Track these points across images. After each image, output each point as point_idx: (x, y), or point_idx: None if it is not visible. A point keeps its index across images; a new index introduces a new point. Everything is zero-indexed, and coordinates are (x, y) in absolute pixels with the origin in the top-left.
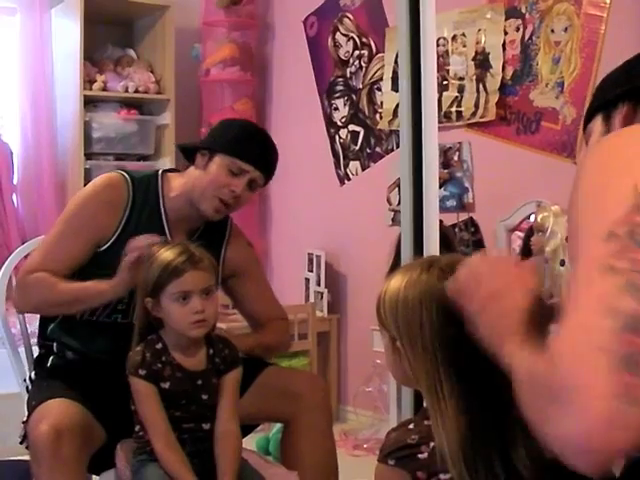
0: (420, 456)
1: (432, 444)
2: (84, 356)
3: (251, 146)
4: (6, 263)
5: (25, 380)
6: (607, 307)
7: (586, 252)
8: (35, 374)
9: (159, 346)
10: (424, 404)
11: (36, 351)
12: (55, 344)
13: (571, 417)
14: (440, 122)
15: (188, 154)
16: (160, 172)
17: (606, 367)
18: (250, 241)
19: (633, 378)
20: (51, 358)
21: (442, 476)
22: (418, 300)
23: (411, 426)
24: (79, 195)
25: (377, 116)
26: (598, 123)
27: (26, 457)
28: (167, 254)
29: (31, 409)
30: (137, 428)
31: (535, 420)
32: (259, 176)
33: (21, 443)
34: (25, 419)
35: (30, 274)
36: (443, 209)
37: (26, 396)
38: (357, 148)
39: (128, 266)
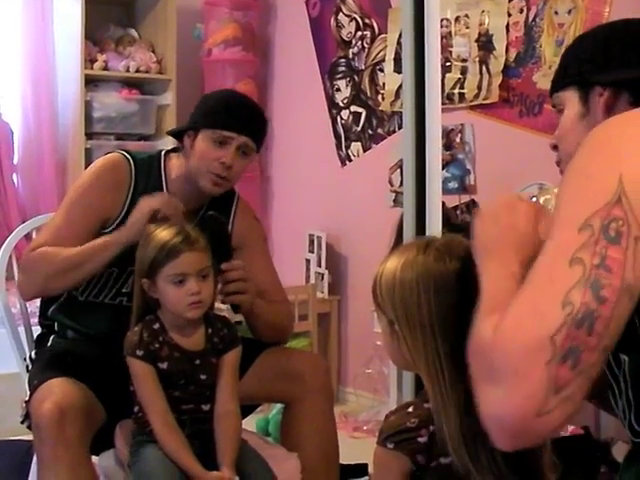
0: (420, 440)
1: (432, 428)
2: (85, 336)
3: (230, 113)
4: (6, 242)
5: (25, 359)
6: (563, 298)
7: (559, 235)
8: (36, 353)
9: (156, 326)
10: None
11: (36, 331)
12: (56, 324)
13: (503, 397)
14: (443, 104)
15: (179, 138)
16: (163, 153)
17: (547, 357)
18: (258, 217)
19: (567, 372)
20: (52, 337)
21: (442, 460)
22: (415, 281)
23: (410, 409)
24: (82, 178)
25: (379, 97)
26: (574, 100)
27: (25, 437)
28: (163, 234)
29: (33, 388)
30: (136, 409)
31: (474, 385)
32: (246, 140)
33: (22, 422)
34: (27, 398)
35: (33, 251)
36: (445, 191)
37: (26, 375)
38: (359, 129)
39: (140, 218)
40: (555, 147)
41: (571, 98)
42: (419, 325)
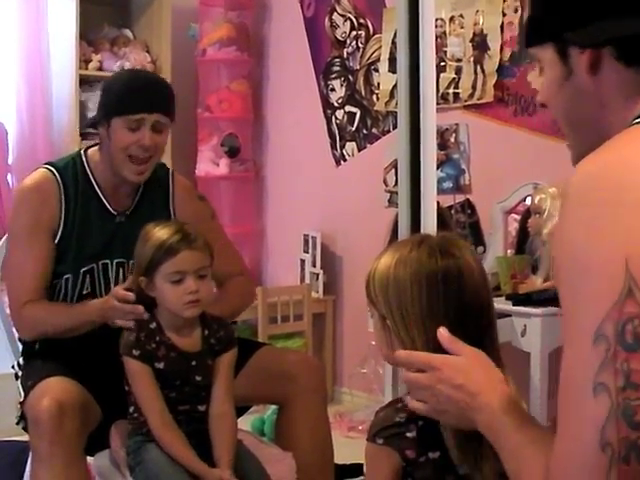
0: (408, 434)
1: (420, 422)
2: (69, 338)
3: (135, 95)
4: (1, 242)
5: (13, 367)
6: (600, 439)
7: (572, 352)
8: (24, 359)
9: (153, 326)
10: None
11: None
12: None
13: None
14: (437, 103)
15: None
16: (82, 151)
17: None
18: (202, 194)
19: None
20: (37, 344)
21: (431, 454)
22: (409, 277)
23: (399, 405)
24: (13, 207)
25: (374, 97)
26: (554, 59)
27: (19, 437)
28: (161, 233)
29: (29, 388)
30: (131, 409)
31: None
32: (158, 117)
33: (17, 423)
34: (22, 399)
35: (22, 307)
36: (439, 191)
37: (16, 380)
38: (353, 129)
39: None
40: (544, 106)
41: (549, 56)
42: (412, 320)
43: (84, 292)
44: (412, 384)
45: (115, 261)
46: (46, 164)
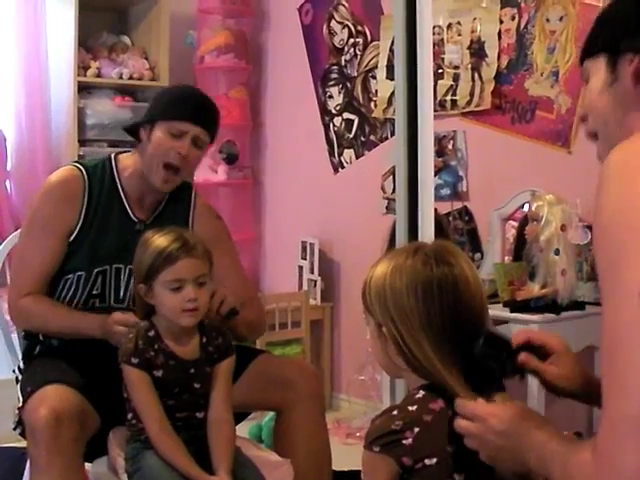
0: (405, 442)
1: (417, 429)
2: (69, 342)
3: (185, 105)
4: (1, 247)
5: (14, 371)
6: None
7: (618, 314)
8: (24, 363)
9: (152, 334)
10: (409, 390)
11: (22, 344)
12: (40, 334)
13: None
14: (435, 111)
15: (135, 134)
16: (113, 155)
17: None
18: (219, 214)
19: None
20: (38, 347)
21: (427, 461)
22: (405, 286)
23: (395, 412)
24: (34, 199)
25: (372, 104)
26: (602, 67)
27: (18, 444)
28: (160, 240)
29: (27, 395)
30: (130, 416)
31: None
32: (200, 132)
33: (15, 429)
34: (20, 405)
35: (20, 298)
36: (437, 197)
37: (17, 385)
38: (351, 136)
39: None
40: (584, 119)
41: (599, 65)
42: (415, 328)
43: (94, 292)
44: (464, 432)
45: (128, 267)
46: (75, 162)
